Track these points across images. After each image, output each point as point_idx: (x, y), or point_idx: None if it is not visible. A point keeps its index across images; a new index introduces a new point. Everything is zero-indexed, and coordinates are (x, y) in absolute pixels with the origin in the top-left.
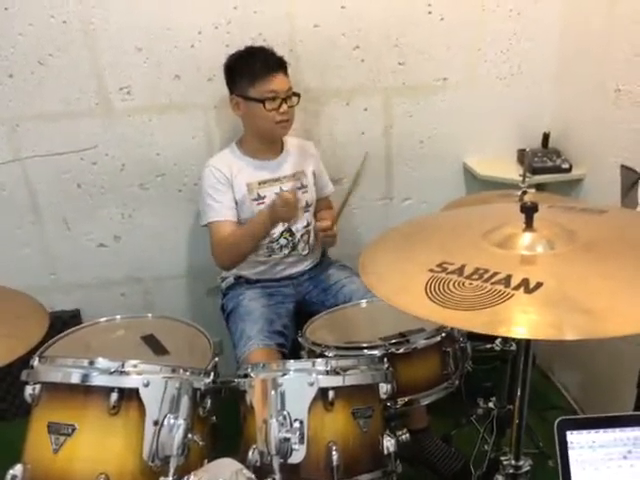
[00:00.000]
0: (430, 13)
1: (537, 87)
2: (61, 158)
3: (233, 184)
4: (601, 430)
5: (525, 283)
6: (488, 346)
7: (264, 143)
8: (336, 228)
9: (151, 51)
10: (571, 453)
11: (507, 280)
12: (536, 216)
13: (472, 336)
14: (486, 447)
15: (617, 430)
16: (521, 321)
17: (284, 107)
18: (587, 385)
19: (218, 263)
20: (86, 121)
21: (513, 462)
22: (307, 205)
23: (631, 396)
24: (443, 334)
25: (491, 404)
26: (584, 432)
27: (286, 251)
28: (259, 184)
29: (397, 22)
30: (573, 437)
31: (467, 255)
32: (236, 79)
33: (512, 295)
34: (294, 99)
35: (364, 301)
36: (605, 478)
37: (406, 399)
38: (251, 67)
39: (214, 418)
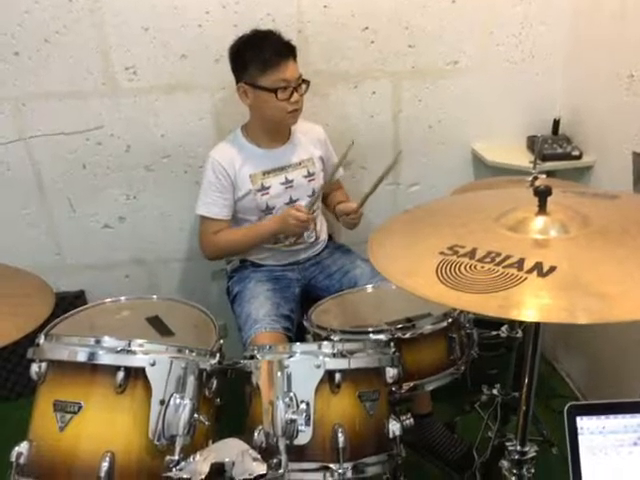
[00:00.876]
0: None
1: (548, 72)
2: (66, 138)
3: (236, 180)
4: (611, 416)
5: (539, 267)
6: (494, 333)
7: (271, 132)
8: (361, 210)
9: (158, 31)
10: (581, 439)
11: (520, 263)
12: (549, 200)
13: (478, 323)
14: (489, 434)
15: (628, 416)
16: (533, 304)
17: (295, 96)
18: (591, 373)
19: (203, 254)
20: (92, 101)
21: (519, 448)
22: (314, 193)
23: (635, 385)
24: (450, 320)
25: (495, 391)
26: (594, 418)
27: (292, 239)
28: (263, 174)
29: (408, 4)
30: (583, 423)
31: (479, 238)
32: (244, 67)
33: (525, 278)
34: (303, 87)
35: (370, 286)
36: (615, 464)
37: (411, 384)
38: (261, 54)
39: (220, 399)
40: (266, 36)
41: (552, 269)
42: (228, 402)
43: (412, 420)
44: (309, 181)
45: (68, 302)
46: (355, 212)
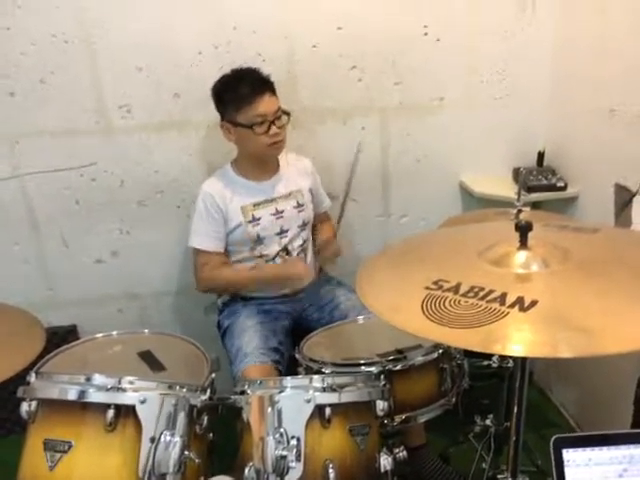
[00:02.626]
0: (426, 35)
1: (532, 107)
2: (60, 174)
3: (227, 213)
4: (597, 448)
5: (520, 301)
6: (485, 363)
7: (258, 165)
8: (337, 243)
9: (151, 70)
10: (567, 471)
11: (502, 298)
12: (531, 235)
13: (469, 353)
14: (484, 465)
15: (613, 448)
16: (516, 339)
17: (273, 129)
18: (585, 403)
19: (196, 286)
20: (86, 138)
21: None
22: (304, 223)
23: (629, 413)
24: (440, 351)
25: (488, 421)
26: (580, 450)
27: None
28: (254, 206)
29: (394, 43)
30: (569, 455)
31: (463, 273)
32: (224, 106)
33: (507, 313)
34: (284, 118)
35: (361, 317)
36: None
37: (403, 416)
38: (236, 92)
39: (211, 435)
40: (243, 74)
41: (533, 303)
42: (221, 438)
43: (405, 453)
44: (299, 212)
45: (60, 337)
46: (331, 241)
